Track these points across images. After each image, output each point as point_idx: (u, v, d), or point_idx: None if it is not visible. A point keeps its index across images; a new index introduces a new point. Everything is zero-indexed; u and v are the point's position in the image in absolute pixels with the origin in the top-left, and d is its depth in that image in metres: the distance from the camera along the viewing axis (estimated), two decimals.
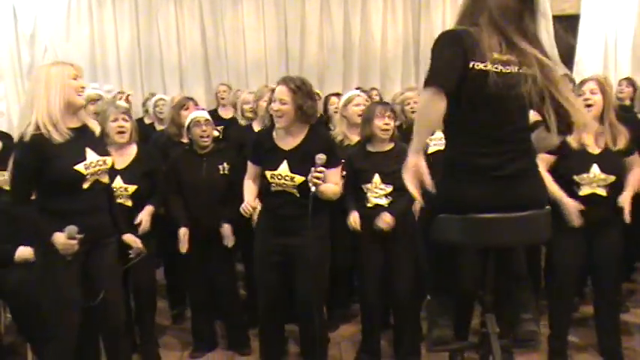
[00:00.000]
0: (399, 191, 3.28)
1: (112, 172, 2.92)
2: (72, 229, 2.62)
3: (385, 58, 7.07)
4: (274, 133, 3.09)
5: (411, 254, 3.36)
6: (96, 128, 2.84)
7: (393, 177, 3.32)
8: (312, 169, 2.89)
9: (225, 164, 3.59)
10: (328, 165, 2.94)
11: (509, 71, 2.06)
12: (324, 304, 3.23)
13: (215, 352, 3.78)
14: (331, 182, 3.03)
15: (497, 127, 2.11)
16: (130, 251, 3.04)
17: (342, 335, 3.97)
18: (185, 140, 4.01)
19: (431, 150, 3.79)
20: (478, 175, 2.14)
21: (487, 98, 2.05)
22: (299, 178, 2.97)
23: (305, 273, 3.03)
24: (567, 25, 6.53)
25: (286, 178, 3.00)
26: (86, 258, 2.78)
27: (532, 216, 2.17)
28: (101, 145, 2.86)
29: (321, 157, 2.89)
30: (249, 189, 3.18)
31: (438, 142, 3.86)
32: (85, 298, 2.79)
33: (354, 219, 3.31)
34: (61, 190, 2.69)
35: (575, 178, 3.10)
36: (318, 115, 3.85)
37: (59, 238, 2.63)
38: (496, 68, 2.04)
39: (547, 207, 2.25)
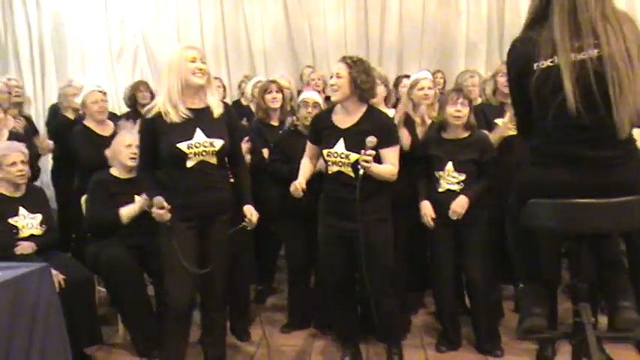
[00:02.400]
0: (472, 180, 3.28)
1: (221, 151, 2.94)
2: (157, 200, 2.81)
3: (468, 37, 6.85)
4: (333, 113, 3.12)
5: (483, 239, 3.32)
6: (217, 110, 2.94)
7: (466, 165, 3.28)
8: (362, 151, 2.89)
9: None
10: (384, 145, 2.95)
11: (585, 57, 1.99)
12: (392, 288, 3.20)
13: (306, 330, 3.84)
14: (388, 162, 3.02)
15: (585, 114, 2.01)
16: (244, 222, 3.04)
17: (422, 319, 3.94)
18: (275, 123, 4.06)
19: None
20: (569, 161, 2.08)
21: (554, 92, 2.02)
22: (354, 156, 2.97)
23: (364, 258, 3.01)
24: None
25: (342, 155, 3.01)
26: (197, 233, 2.94)
27: (627, 202, 2.07)
28: (215, 128, 2.92)
29: (371, 140, 2.88)
30: (305, 167, 3.22)
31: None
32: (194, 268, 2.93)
33: (425, 209, 3.30)
34: (168, 166, 2.89)
35: None
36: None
37: (153, 208, 2.84)
38: (569, 58, 1.99)
39: None
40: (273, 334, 3.81)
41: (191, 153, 2.83)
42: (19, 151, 3.49)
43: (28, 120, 5.20)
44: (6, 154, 3.44)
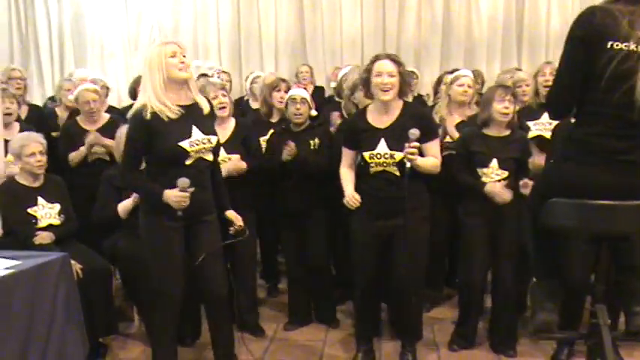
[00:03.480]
0: (512, 178, 3.24)
1: (216, 148, 2.96)
2: (184, 181, 2.74)
3: (485, 36, 6.82)
4: (368, 115, 3.09)
5: (515, 237, 3.26)
6: (205, 106, 2.91)
7: (509, 163, 3.25)
8: (406, 144, 2.88)
9: (316, 140, 3.61)
10: (426, 138, 2.94)
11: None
12: (421, 285, 3.22)
13: (309, 327, 3.86)
14: (430, 155, 3.01)
15: (631, 110, 2.00)
16: (230, 228, 3.09)
17: (435, 317, 3.94)
18: (274, 120, 4.06)
19: (532, 134, 3.67)
20: (604, 158, 2.05)
21: (623, 79, 1.96)
22: (399, 155, 2.96)
23: (405, 253, 3.01)
24: None
25: (385, 156, 2.99)
26: (187, 233, 2.90)
27: None
28: (208, 123, 2.92)
29: (414, 132, 2.88)
30: (348, 178, 3.18)
31: (541, 126, 3.72)
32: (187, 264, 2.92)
33: (491, 187, 3.20)
34: (165, 165, 2.82)
35: None
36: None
37: (171, 192, 2.75)
38: (635, 47, 1.95)
39: None
40: (285, 330, 3.83)
41: (192, 151, 2.80)
42: (37, 142, 3.51)
43: (36, 108, 5.24)
44: (25, 145, 3.46)
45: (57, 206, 3.55)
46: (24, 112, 4.70)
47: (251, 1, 6.95)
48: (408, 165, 2.89)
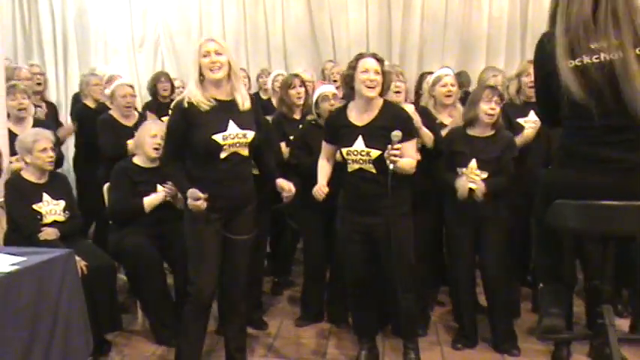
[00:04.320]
0: (494, 178, 3.27)
1: (253, 143, 2.97)
2: (192, 192, 2.81)
3: (489, 34, 6.80)
4: (348, 111, 3.11)
5: (502, 239, 3.33)
6: (244, 102, 2.94)
7: (489, 164, 3.28)
8: (389, 146, 2.89)
9: None
10: (403, 139, 2.94)
11: (600, 60, 1.98)
12: (412, 283, 3.21)
13: (316, 324, 3.87)
14: (408, 155, 3.02)
15: (611, 117, 2.01)
16: (284, 195, 3.12)
17: (438, 316, 3.95)
18: (297, 117, 4.06)
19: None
20: (595, 163, 2.06)
21: (588, 92, 2.00)
22: (375, 153, 2.98)
23: (389, 252, 3.03)
24: None
25: (362, 153, 3.01)
26: (225, 224, 2.97)
27: None
28: (246, 119, 2.94)
29: (396, 134, 2.88)
30: (323, 169, 3.21)
31: (531, 123, 3.71)
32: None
33: (462, 184, 3.24)
34: (201, 157, 2.90)
35: None
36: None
37: (190, 194, 2.83)
38: (590, 60, 1.98)
39: None
40: (289, 327, 3.85)
41: (226, 144, 2.85)
42: (48, 138, 3.53)
43: (52, 106, 5.27)
44: (37, 140, 3.47)
45: (62, 203, 3.55)
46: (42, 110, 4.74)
47: None
48: (391, 167, 2.90)
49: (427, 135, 3.41)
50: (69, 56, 7.05)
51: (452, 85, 3.75)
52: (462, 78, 5.17)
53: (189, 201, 2.84)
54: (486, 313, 3.56)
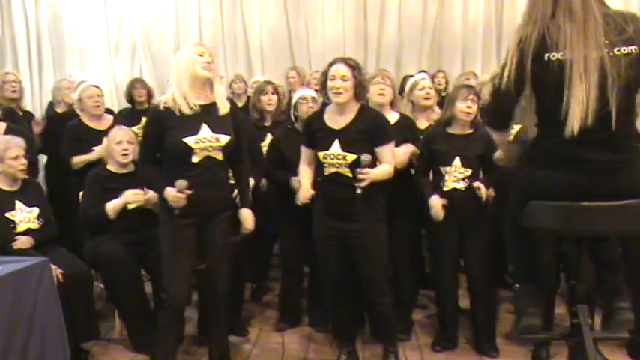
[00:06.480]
0: (476, 176, 3.31)
1: (227, 147, 2.96)
2: (181, 183, 2.80)
3: (466, 38, 6.88)
4: (325, 115, 3.12)
5: (486, 239, 3.35)
6: (223, 107, 2.95)
7: (472, 161, 3.30)
8: (357, 170, 2.91)
9: None
10: (379, 143, 3.00)
11: (597, 55, 1.99)
12: (388, 287, 3.23)
13: (295, 329, 3.86)
14: (385, 161, 3.04)
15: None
16: (242, 227, 3.12)
17: (418, 319, 3.95)
18: (267, 124, 4.05)
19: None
20: (570, 163, 2.08)
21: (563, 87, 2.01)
22: (351, 157, 2.99)
23: (363, 258, 3.06)
24: None
25: (338, 157, 3.02)
26: (199, 230, 2.96)
27: (627, 206, 2.08)
28: (221, 123, 2.94)
29: (365, 159, 2.91)
30: (305, 174, 3.22)
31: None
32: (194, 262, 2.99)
33: (436, 204, 3.27)
34: (174, 161, 2.90)
35: None
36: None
37: (169, 192, 2.83)
38: (581, 54, 1.99)
39: None
40: (269, 333, 3.83)
41: (197, 148, 2.85)
42: (19, 145, 3.49)
43: (28, 114, 5.18)
44: (9, 147, 3.43)
45: (35, 210, 3.51)
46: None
47: (234, 5, 6.92)
48: (359, 192, 2.91)
49: (414, 154, 3.46)
50: (44, 63, 6.94)
51: (430, 88, 3.79)
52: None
53: (171, 193, 2.81)
54: (468, 315, 3.58)
